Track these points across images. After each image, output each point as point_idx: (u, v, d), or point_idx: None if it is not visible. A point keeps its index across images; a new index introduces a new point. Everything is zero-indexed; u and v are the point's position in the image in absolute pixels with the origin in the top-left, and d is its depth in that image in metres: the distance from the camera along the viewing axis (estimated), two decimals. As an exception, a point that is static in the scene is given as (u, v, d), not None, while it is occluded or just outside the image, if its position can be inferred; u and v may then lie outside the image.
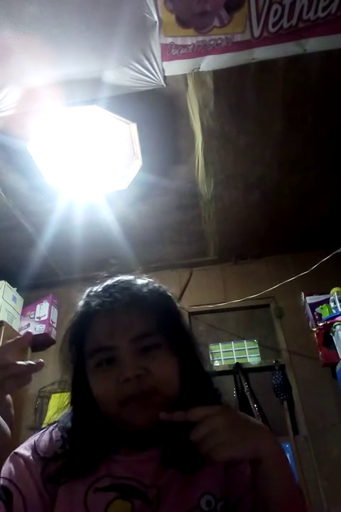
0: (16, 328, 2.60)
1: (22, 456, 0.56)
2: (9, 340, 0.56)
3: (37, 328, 2.63)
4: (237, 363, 2.44)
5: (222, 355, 2.56)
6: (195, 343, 0.65)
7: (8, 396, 0.55)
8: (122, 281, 0.62)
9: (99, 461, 0.56)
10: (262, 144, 1.90)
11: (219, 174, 2.05)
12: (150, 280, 0.64)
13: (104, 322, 0.57)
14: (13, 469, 0.54)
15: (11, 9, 1.19)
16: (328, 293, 2.39)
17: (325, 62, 1.53)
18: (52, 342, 2.67)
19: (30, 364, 0.53)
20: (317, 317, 2.41)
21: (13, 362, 0.52)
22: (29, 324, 2.68)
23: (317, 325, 2.35)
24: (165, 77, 1.38)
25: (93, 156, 1.83)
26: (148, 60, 1.32)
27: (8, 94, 1.42)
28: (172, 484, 0.56)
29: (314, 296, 2.49)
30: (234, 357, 2.53)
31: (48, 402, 2.41)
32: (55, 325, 2.72)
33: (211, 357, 2.53)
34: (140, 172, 1.93)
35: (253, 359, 2.51)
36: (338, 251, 2.15)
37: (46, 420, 2.28)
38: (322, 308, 2.41)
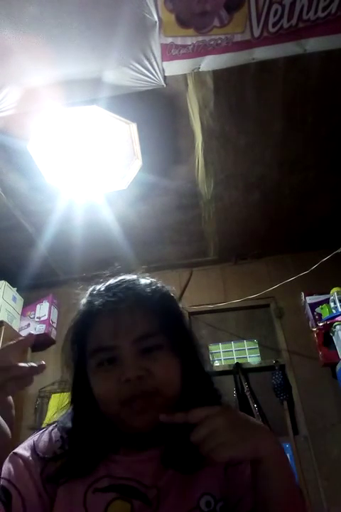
0: (16, 328, 2.60)
1: (21, 456, 0.56)
2: (11, 342, 0.55)
3: (37, 328, 2.63)
4: (237, 363, 2.44)
5: (222, 355, 2.56)
6: (197, 344, 0.65)
7: (10, 397, 0.55)
8: (125, 281, 0.62)
9: (98, 462, 0.56)
10: (262, 144, 1.90)
11: (219, 174, 2.05)
12: (153, 280, 0.64)
13: (106, 322, 0.57)
14: (12, 470, 0.54)
15: (11, 9, 1.19)
16: (328, 293, 2.39)
17: (325, 62, 1.53)
18: (52, 342, 2.67)
19: (31, 366, 0.53)
20: (317, 317, 2.41)
21: (14, 364, 0.52)
22: (29, 324, 2.68)
23: (317, 325, 2.35)
24: (165, 77, 1.38)
25: (93, 156, 1.83)
26: (148, 60, 1.32)
27: (8, 94, 1.42)
28: (171, 485, 0.56)
29: (314, 296, 2.49)
30: (234, 357, 2.53)
31: (48, 402, 2.41)
32: (55, 325, 2.72)
33: (211, 357, 2.53)
34: (140, 172, 1.93)
35: (253, 359, 2.51)
36: (338, 251, 2.15)
37: (46, 420, 2.28)
38: (322, 308, 2.41)
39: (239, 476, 0.60)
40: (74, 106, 1.56)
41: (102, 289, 0.62)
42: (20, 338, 0.55)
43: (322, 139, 1.90)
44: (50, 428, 0.61)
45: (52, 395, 2.39)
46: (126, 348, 0.56)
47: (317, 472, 2.05)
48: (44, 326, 2.63)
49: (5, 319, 2.45)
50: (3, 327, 2.40)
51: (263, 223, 2.48)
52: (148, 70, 1.35)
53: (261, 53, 1.32)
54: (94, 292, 0.62)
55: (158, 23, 1.22)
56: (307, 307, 2.47)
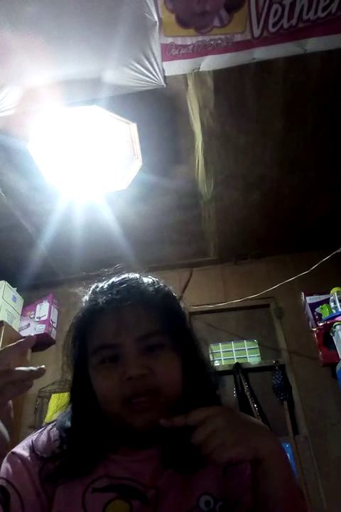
0: (16, 328, 2.60)
1: (19, 455, 0.56)
2: (11, 344, 0.54)
3: (37, 328, 2.63)
4: (237, 363, 2.44)
5: (222, 355, 2.56)
6: (197, 344, 0.65)
7: (9, 401, 0.55)
8: (128, 279, 0.62)
9: (97, 461, 0.56)
10: (262, 144, 1.90)
11: (219, 174, 2.05)
12: (156, 279, 0.64)
13: (110, 319, 0.57)
14: (10, 469, 0.54)
15: (11, 9, 1.19)
16: (328, 293, 2.39)
17: (325, 62, 1.53)
18: (52, 342, 2.67)
19: (31, 370, 0.52)
20: (317, 317, 2.41)
21: (14, 368, 0.51)
22: (29, 324, 2.68)
23: (317, 325, 2.35)
24: (165, 77, 1.38)
25: (93, 156, 1.83)
26: (148, 60, 1.32)
27: (8, 94, 1.41)
28: (171, 484, 0.56)
29: (314, 296, 2.49)
30: (234, 357, 2.53)
31: (48, 402, 2.41)
32: (55, 325, 2.72)
33: (211, 357, 2.53)
34: (140, 172, 1.93)
35: (253, 359, 2.51)
36: (338, 251, 2.15)
37: (46, 420, 2.28)
38: (322, 308, 2.41)
39: (239, 476, 0.60)
40: (74, 106, 1.56)
41: (105, 286, 0.62)
42: (20, 341, 0.54)
43: (322, 139, 1.90)
44: (49, 427, 0.61)
45: (52, 395, 2.39)
46: (129, 346, 0.56)
47: (317, 472, 2.05)
48: (44, 326, 2.63)
49: (5, 319, 2.45)
50: (3, 327, 2.40)
51: (263, 223, 2.48)
52: (148, 70, 1.35)
53: (261, 53, 1.31)
54: (97, 290, 0.62)
55: (158, 23, 1.22)
56: (307, 307, 2.47)
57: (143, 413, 0.54)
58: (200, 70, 1.37)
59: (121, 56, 1.32)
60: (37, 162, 1.82)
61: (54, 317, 2.74)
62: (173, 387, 0.57)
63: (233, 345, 2.58)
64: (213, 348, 2.56)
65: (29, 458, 0.56)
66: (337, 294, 2.31)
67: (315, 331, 2.33)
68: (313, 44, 1.29)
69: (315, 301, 2.47)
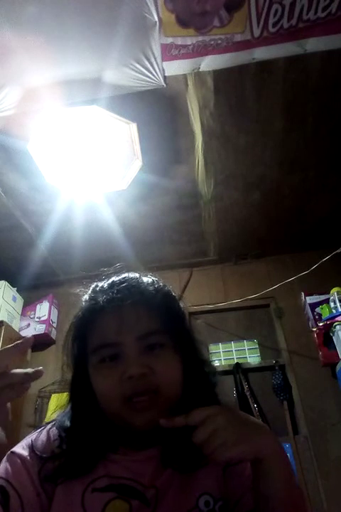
0: (16, 328, 2.60)
1: (19, 455, 0.56)
2: (8, 346, 0.53)
3: (37, 328, 2.63)
4: (237, 363, 2.44)
5: (222, 355, 2.56)
6: (197, 344, 0.65)
7: (8, 404, 0.55)
8: (129, 279, 0.62)
9: (96, 461, 0.56)
10: (262, 144, 1.90)
11: (219, 174, 2.05)
12: (156, 279, 0.64)
13: (110, 318, 0.57)
14: (9, 469, 0.54)
15: (11, 9, 1.19)
16: (328, 293, 2.39)
17: (325, 62, 1.53)
18: (52, 342, 2.67)
19: (27, 373, 0.52)
20: (317, 317, 2.41)
21: (10, 370, 0.51)
22: (29, 324, 2.68)
23: (317, 325, 2.35)
24: (165, 77, 1.38)
25: (93, 156, 1.83)
26: (148, 60, 1.32)
27: (8, 94, 1.41)
28: (170, 484, 0.56)
29: (314, 296, 2.49)
30: (234, 357, 2.53)
31: (48, 402, 2.41)
32: (55, 325, 2.72)
33: (210, 357, 2.54)
34: (140, 172, 1.93)
35: (253, 359, 2.51)
36: (338, 251, 2.15)
37: (46, 420, 2.28)
38: (322, 308, 2.41)
39: (238, 476, 0.60)
40: (74, 106, 1.56)
41: (105, 286, 0.61)
42: (18, 342, 0.53)
43: (322, 139, 1.90)
44: (48, 427, 0.61)
45: (52, 395, 2.39)
46: (130, 345, 0.56)
47: (317, 472, 2.05)
48: (44, 326, 2.63)
49: (5, 319, 2.45)
50: (3, 327, 2.40)
51: (263, 223, 2.48)
52: (148, 70, 1.35)
53: (261, 53, 1.31)
54: (97, 289, 0.62)
55: (158, 23, 1.22)
56: (307, 307, 2.47)
57: (143, 412, 0.54)
58: (200, 70, 1.37)
59: (121, 56, 1.32)
60: (37, 162, 1.82)
61: (54, 317, 2.74)
62: (173, 386, 0.57)
63: (233, 345, 2.58)
64: (213, 348, 2.57)
65: (28, 457, 0.55)
66: (337, 294, 2.31)
67: (315, 331, 2.33)
68: (313, 44, 1.29)
69: (315, 301, 2.47)
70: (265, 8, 1.21)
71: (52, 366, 2.53)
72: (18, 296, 2.70)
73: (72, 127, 1.69)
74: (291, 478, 0.53)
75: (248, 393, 2.29)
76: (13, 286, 2.65)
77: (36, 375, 0.52)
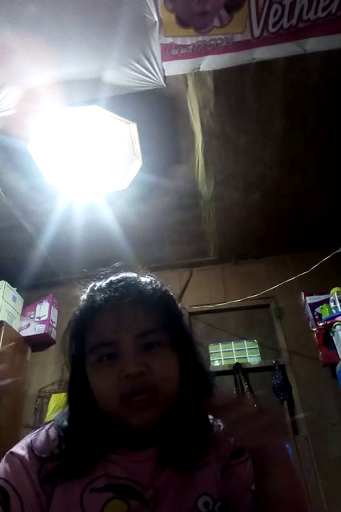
0: (16, 328, 2.60)
1: (18, 455, 0.56)
2: None
3: (37, 328, 2.63)
4: (237, 363, 2.44)
5: (222, 355, 2.56)
6: (195, 343, 0.65)
7: None
8: (127, 278, 0.62)
9: (95, 461, 0.56)
10: (262, 144, 1.90)
11: (219, 174, 2.05)
12: (154, 278, 0.64)
13: (108, 317, 0.57)
14: (9, 469, 0.54)
15: (11, 9, 1.19)
16: (328, 293, 2.39)
17: (325, 62, 1.53)
18: (52, 342, 2.67)
19: None
20: (317, 317, 2.41)
21: (9, 372, 0.51)
22: (29, 324, 2.68)
23: (317, 325, 2.35)
24: (165, 77, 1.38)
25: (93, 156, 1.83)
26: (148, 60, 1.32)
27: (8, 94, 1.41)
28: (169, 485, 0.56)
29: (314, 296, 2.49)
30: (234, 357, 2.53)
31: (48, 402, 2.41)
32: (55, 325, 2.72)
33: (210, 357, 2.54)
34: (140, 172, 1.93)
35: (253, 359, 2.51)
36: (338, 251, 2.15)
37: (46, 420, 2.28)
38: (322, 308, 2.41)
39: (238, 476, 0.60)
40: (74, 106, 1.56)
41: (103, 285, 0.62)
42: None
43: (322, 139, 1.90)
44: (47, 427, 0.61)
45: (52, 395, 2.39)
46: (127, 344, 0.56)
47: (317, 472, 2.05)
48: (44, 326, 2.63)
49: (5, 319, 2.45)
50: (3, 327, 2.40)
51: (263, 223, 2.48)
52: (148, 70, 1.35)
53: (261, 53, 1.31)
54: (95, 288, 0.62)
55: (158, 23, 1.22)
56: (307, 307, 2.47)
57: (141, 411, 0.54)
58: (200, 70, 1.37)
59: (121, 56, 1.32)
60: (37, 162, 1.82)
61: (54, 317, 2.74)
62: (171, 385, 0.57)
63: (233, 345, 2.58)
64: (213, 348, 2.56)
65: (28, 458, 0.55)
66: (337, 294, 2.31)
67: (315, 331, 2.33)
68: (313, 44, 1.29)
69: (315, 301, 2.47)
70: (265, 8, 1.21)
71: (52, 366, 2.53)
72: (18, 296, 2.70)
73: (72, 127, 1.69)
74: (295, 474, 0.53)
75: (248, 393, 2.29)
76: (13, 286, 2.65)
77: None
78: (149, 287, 0.61)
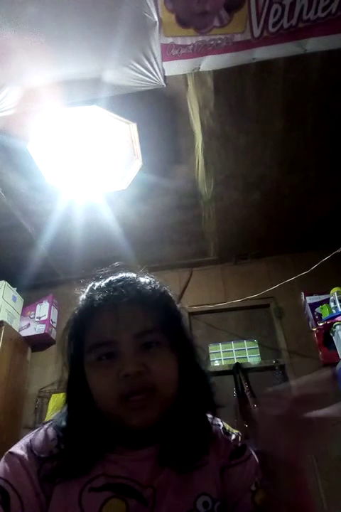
0: (16, 328, 2.60)
1: (17, 455, 0.55)
2: None
3: (37, 328, 2.63)
4: (237, 363, 2.44)
5: (222, 355, 2.56)
6: (194, 344, 0.65)
7: None
8: (126, 278, 0.62)
9: (94, 461, 0.56)
10: (262, 144, 1.90)
11: (219, 174, 2.05)
12: (152, 279, 0.64)
13: (107, 316, 0.57)
14: (8, 469, 0.54)
15: (11, 9, 1.19)
16: (328, 293, 2.39)
17: (325, 62, 1.53)
18: (52, 342, 2.67)
19: None
20: (317, 317, 2.41)
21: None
22: (29, 324, 2.68)
23: (317, 325, 2.35)
24: (165, 77, 1.38)
25: (93, 156, 1.83)
26: (148, 60, 1.32)
27: (8, 94, 1.41)
28: (168, 485, 0.56)
29: (314, 296, 2.49)
30: (234, 357, 2.53)
31: (48, 402, 2.41)
32: (55, 325, 2.72)
33: (210, 357, 2.54)
34: (140, 172, 1.93)
35: (253, 359, 2.51)
36: (338, 251, 2.15)
37: (45, 420, 2.27)
38: (322, 308, 2.41)
39: (237, 477, 0.60)
40: (74, 106, 1.56)
41: (103, 284, 0.62)
42: None
43: (322, 139, 1.90)
44: (46, 427, 0.61)
45: (52, 395, 2.39)
46: (126, 343, 0.56)
47: (317, 472, 2.05)
48: (44, 326, 2.63)
49: (5, 319, 2.45)
50: (3, 327, 2.40)
51: (263, 223, 2.48)
52: (148, 70, 1.35)
53: (261, 53, 1.31)
54: (94, 288, 0.62)
55: (158, 23, 1.22)
56: (307, 307, 2.47)
57: (139, 411, 0.54)
58: (200, 70, 1.37)
59: (121, 56, 1.32)
60: (37, 162, 1.82)
61: (54, 317, 2.74)
62: (169, 385, 0.57)
63: (233, 345, 2.58)
64: (213, 348, 2.56)
65: (27, 457, 0.55)
66: (337, 294, 2.31)
67: (315, 331, 2.33)
68: (313, 44, 1.29)
69: (315, 301, 2.47)
70: (265, 8, 1.21)
71: (52, 366, 2.53)
72: (18, 296, 2.70)
73: (72, 127, 1.69)
74: (306, 480, 0.53)
75: (248, 393, 2.29)
76: (13, 286, 2.65)
77: None
78: (148, 287, 0.61)
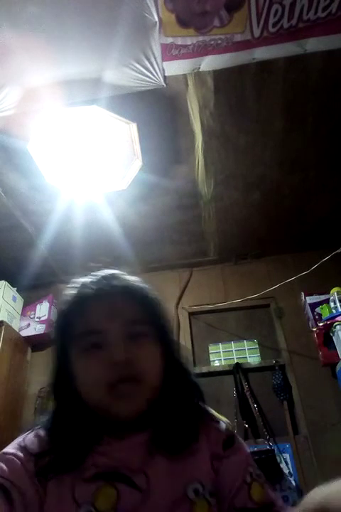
0: (16, 328, 2.60)
1: (12, 453, 0.56)
2: None
3: (37, 328, 2.63)
4: (237, 363, 2.44)
5: (222, 355, 2.56)
6: (178, 343, 0.67)
7: None
8: (114, 272, 0.64)
9: (84, 455, 0.57)
10: (262, 144, 1.91)
11: (219, 174, 2.05)
12: (139, 279, 0.66)
13: (96, 306, 0.59)
14: (5, 467, 0.54)
15: (11, 9, 1.19)
16: (328, 293, 2.39)
17: (325, 62, 1.53)
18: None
19: None
20: (317, 317, 2.41)
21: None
22: (29, 324, 2.68)
23: (317, 325, 2.35)
24: (165, 77, 1.38)
25: (93, 156, 1.83)
26: (148, 60, 1.32)
27: (8, 94, 1.41)
28: (158, 471, 0.57)
29: (314, 296, 2.49)
30: (234, 357, 2.53)
31: (48, 402, 2.40)
32: (55, 325, 2.72)
33: (210, 357, 2.54)
34: (140, 172, 1.93)
35: (253, 359, 2.51)
36: (338, 251, 2.15)
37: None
38: (322, 308, 2.41)
39: (228, 470, 0.60)
40: (74, 106, 1.56)
41: (91, 278, 0.63)
42: None
43: (322, 139, 1.90)
44: (36, 428, 0.62)
45: (53, 395, 2.38)
46: (115, 332, 0.57)
47: (317, 472, 2.05)
48: (44, 326, 2.63)
49: (5, 319, 2.45)
50: (3, 327, 2.40)
51: (263, 223, 2.48)
52: (148, 70, 1.35)
53: (261, 53, 1.32)
54: (83, 281, 0.64)
55: (158, 23, 1.22)
56: (307, 307, 2.47)
57: (127, 400, 0.55)
58: (200, 70, 1.37)
59: (121, 56, 1.32)
60: (37, 162, 1.82)
61: (54, 317, 2.74)
62: (155, 376, 0.59)
63: (233, 345, 2.58)
64: (213, 348, 2.57)
65: (22, 454, 0.56)
66: (337, 294, 2.31)
67: (315, 331, 2.33)
68: (313, 44, 1.30)
69: (315, 301, 2.47)
70: (265, 8, 1.21)
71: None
72: (18, 296, 2.69)
73: (72, 127, 1.69)
74: None
75: (248, 393, 2.29)
76: (13, 286, 2.65)
77: None
78: (135, 282, 0.63)
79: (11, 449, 0.57)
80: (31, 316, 2.71)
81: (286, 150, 1.94)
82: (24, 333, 2.63)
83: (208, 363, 2.53)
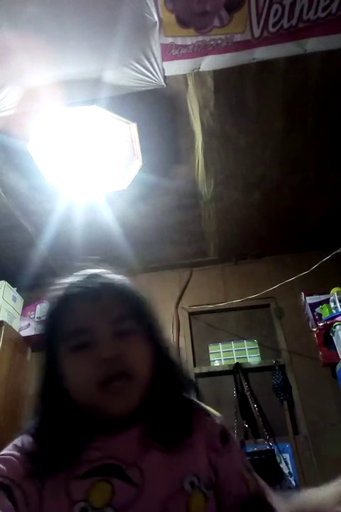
0: (16, 328, 2.60)
1: (10, 454, 0.56)
2: None
3: (37, 328, 2.63)
4: (237, 363, 2.44)
5: (222, 355, 2.56)
6: (164, 336, 0.67)
7: None
8: (101, 271, 0.65)
9: (75, 453, 0.57)
10: (262, 144, 1.91)
11: (219, 174, 2.05)
12: (123, 276, 0.66)
13: (83, 305, 0.59)
14: (4, 467, 0.54)
15: (11, 9, 1.19)
16: (328, 293, 2.39)
17: (325, 62, 1.53)
18: (52, 342, 2.67)
19: None
20: (317, 317, 2.41)
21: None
22: (29, 324, 2.68)
23: (317, 325, 2.35)
24: (165, 77, 1.38)
25: (93, 156, 1.83)
26: (148, 60, 1.32)
27: (8, 94, 1.42)
28: (153, 465, 0.57)
29: (314, 296, 2.49)
30: (234, 357, 2.53)
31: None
32: (55, 325, 2.72)
33: (210, 357, 2.54)
34: (140, 172, 1.93)
35: (253, 359, 2.51)
36: (338, 251, 2.15)
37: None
38: (322, 308, 2.41)
39: (225, 466, 0.61)
40: (74, 106, 1.56)
41: (77, 278, 0.64)
42: None
43: (322, 139, 1.90)
44: (30, 431, 0.61)
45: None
46: (103, 330, 0.57)
47: (317, 472, 2.05)
48: (44, 326, 2.63)
49: (5, 319, 2.45)
50: (3, 327, 2.40)
51: (263, 223, 2.48)
52: (148, 70, 1.35)
53: (261, 53, 1.32)
54: (70, 280, 0.64)
55: (158, 23, 1.22)
56: (307, 307, 2.47)
57: (118, 398, 0.55)
58: (200, 70, 1.37)
59: (121, 56, 1.32)
60: (37, 162, 1.82)
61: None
62: (144, 372, 0.59)
63: (233, 345, 2.58)
64: (213, 348, 2.57)
65: (19, 454, 0.56)
66: (337, 294, 2.31)
67: (315, 331, 2.33)
68: (313, 44, 1.30)
69: (315, 301, 2.47)
70: (265, 8, 1.21)
71: (52, 366, 2.53)
72: (18, 296, 2.70)
73: (72, 127, 1.69)
74: None
75: (248, 393, 2.29)
76: (13, 286, 2.65)
77: None
78: (122, 281, 0.64)
79: (7, 450, 0.58)
80: (31, 316, 2.71)
81: (286, 150, 1.94)
82: (24, 333, 2.63)
83: (208, 363, 2.53)
